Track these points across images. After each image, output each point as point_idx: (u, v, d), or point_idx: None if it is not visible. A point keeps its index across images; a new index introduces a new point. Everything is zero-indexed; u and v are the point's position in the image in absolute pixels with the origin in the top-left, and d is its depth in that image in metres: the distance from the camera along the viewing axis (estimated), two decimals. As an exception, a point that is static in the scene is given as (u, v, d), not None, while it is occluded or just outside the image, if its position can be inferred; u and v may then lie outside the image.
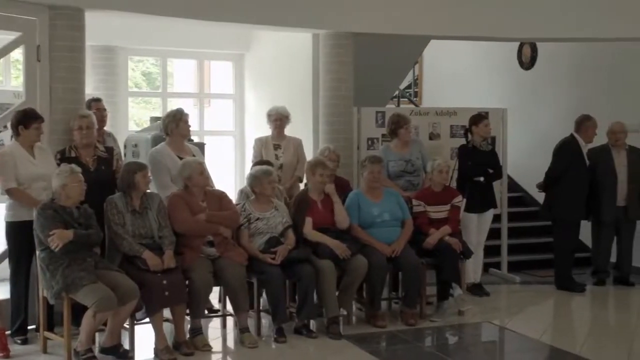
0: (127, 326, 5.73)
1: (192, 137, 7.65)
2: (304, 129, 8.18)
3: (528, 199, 10.30)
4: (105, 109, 7.21)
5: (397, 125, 7.45)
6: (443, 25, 8.17)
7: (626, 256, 8.29)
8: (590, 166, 8.03)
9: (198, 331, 5.90)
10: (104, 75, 9.63)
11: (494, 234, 8.27)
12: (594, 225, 8.27)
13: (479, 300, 7.54)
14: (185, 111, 6.72)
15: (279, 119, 7.48)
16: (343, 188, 7.13)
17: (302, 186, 7.27)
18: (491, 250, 8.43)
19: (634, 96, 8.87)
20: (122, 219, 5.74)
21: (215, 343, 6.08)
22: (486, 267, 8.45)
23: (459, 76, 11.96)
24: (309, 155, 7.54)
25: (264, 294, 6.32)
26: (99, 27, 7.70)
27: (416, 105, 11.84)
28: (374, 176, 6.79)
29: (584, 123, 8.03)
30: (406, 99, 12.34)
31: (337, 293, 6.40)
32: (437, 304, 6.91)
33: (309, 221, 6.47)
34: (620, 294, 8.08)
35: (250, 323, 6.14)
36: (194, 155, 6.51)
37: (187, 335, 5.82)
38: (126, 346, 5.68)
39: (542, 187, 8.24)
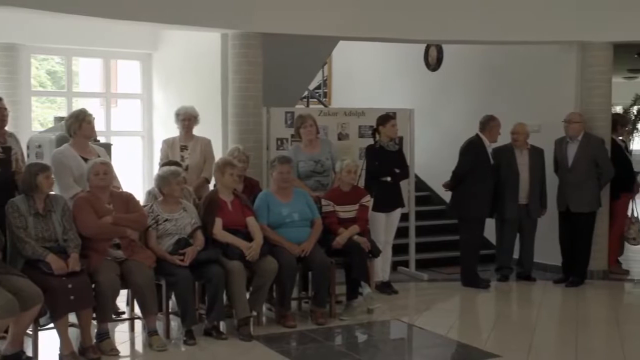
0: (31, 332, 5.57)
1: (98, 138, 7.50)
2: (213, 129, 8.11)
3: (435, 197, 10.49)
4: (5, 109, 6.96)
5: (298, 126, 7.51)
6: (351, 27, 8.23)
7: (528, 253, 8.54)
8: (495, 165, 8.25)
9: (105, 335, 5.78)
10: (5, 74, 9.33)
11: (401, 232, 8.40)
12: (498, 222, 8.49)
13: (387, 298, 7.64)
14: (89, 111, 6.58)
15: (187, 119, 7.42)
16: (252, 188, 7.13)
17: (211, 187, 7.22)
18: (399, 249, 8.56)
19: (536, 97, 9.13)
20: (24, 222, 5.57)
21: (123, 347, 5.97)
22: (395, 265, 8.58)
23: (368, 77, 12.09)
24: (218, 155, 7.48)
25: (172, 296, 6.25)
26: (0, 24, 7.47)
27: (325, 106, 11.91)
28: (283, 176, 6.80)
29: (489, 123, 8.24)
30: (315, 100, 12.39)
31: (247, 294, 6.39)
32: (346, 302, 6.95)
33: (218, 222, 6.42)
34: (522, 289, 8.32)
35: (159, 326, 6.06)
36: (99, 156, 6.38)
37: (94, 340, 5.70)
38: (29, 353, 5.52)
39: (448, 186, 8.42)
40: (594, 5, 8.37)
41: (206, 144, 7.51)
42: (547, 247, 8.58)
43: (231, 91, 8.01)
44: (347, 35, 8.63)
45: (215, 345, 6.04)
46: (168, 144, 7.48)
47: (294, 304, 7.02)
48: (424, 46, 11.00)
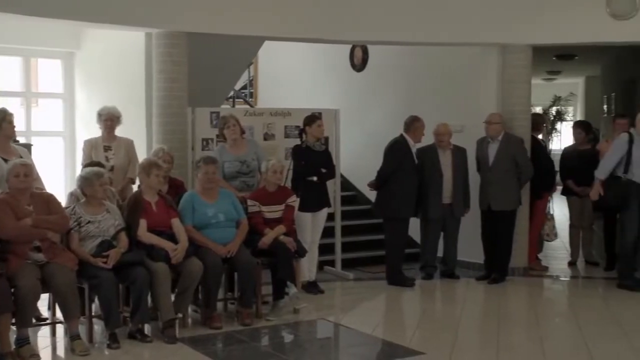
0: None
1: (17, 138, 7.31)
2: (136, 130, 8.01)
3: (360, 197, 10.58)
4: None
5: (221, 126, 7.49)
6: (276, 27, 8.23)
7: (452, 251, 8.69)
8: (419, 165, 8.36)
9: (25, 341, 5.64)
10: None
11: (328, 232, 8.43)
12: (422, 222, 8.61)
13: (314, 297, 7.67)
14: (10, 111, 6.43)
15: (109, 119, 7.32)
16: (177, 189, 7.07)
17: (135, 188, 7.12)
18: (325, 249, 8.60)
19: (459, 98, 9.29)
20: (-60, 226, 5.41)
21: (45, 352, 5.86)
22: (321, 265, 8.62)
23: (294, 77, 12.11)
24: (143, 156, 7.39)
25: (96, 299, 6.15)
26: None
27: (251, 106, 11.90)
28: (209, 177, 6.76)
29: (413, 124, 8.34)
30: (241, 100, 12.34)
31: (173, 296, 6.32)
32: (272, 303, 6.95)
33: (143, 223, 6.34)
34: (446, 287, 8.46)
35: (82, 330, 5.94)
36: (21, 157, 6.23)
37: (13, 346, 5.56)
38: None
39: (373, 185, 8.50)
40: (513, 9, 8.57)
41: (129, 144, 7.41)
42: (470, 245, 8.73)
43: (155, 91, 7.91)
44: (272, 35, 8.62)
45: (139, 348, 5.97)
46: (91, 144, 7.36)
47: (219, 305, 6.98)
48: (349, 47, 11.07)
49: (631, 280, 8.00)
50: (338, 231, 8.81)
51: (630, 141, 7.90)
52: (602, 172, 7.99)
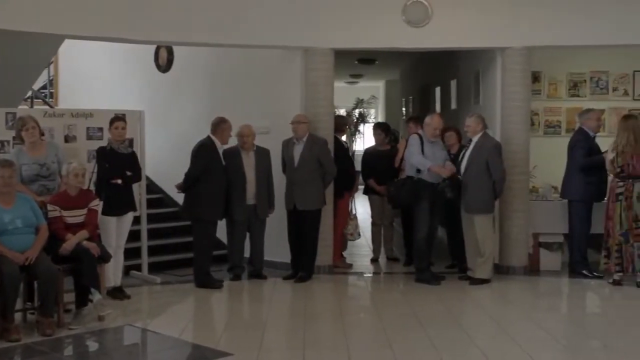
0: None
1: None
2: None
3: (168, 200, 10.46)
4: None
5: (19, 128, 7.18)
6: (76, 25, 7.95)
7: (258, 252, 8.77)
8: (225, 167, 8.38)
9: None
10: None
11: (134, 236, 8.28)
12: (228, 223, 8.64)
13: (120, 303, 7.50)
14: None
15: None
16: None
17: None
18: (131, 253, 8.44)
19: (266, 100, 9.39)
20: None
21: None
22: (127, 269, 8.44)
23: (98, 77, 11.79)
24: None
25: None
26: None
27: (51, 107, 11.45)
28: (5, 181, 6.44)
29: (220, 125, 8.35)
30: (41, 100, 11.84)
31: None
32: (75, 311, 6.73)
33: None
34: (254, 288, 8.54)
35: None
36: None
37: None
38: None
39: (181, 187, 8.42)
40: (316, 13, 8.80)
41: None
42: (277, 245, 8.87)
43: (-56, 90, 7.43)
44: (71, 34, 8.34)
45: None
46: None
47: (18, 315, 6.64)
48: (154, 47, 10.91)
49: (427, 274, 8.45)
50: (144, 235, 8.67)
51: (421, 142, 8.35)
52: (423, 164, 8.32)
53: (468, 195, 8.30)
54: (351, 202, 9.52)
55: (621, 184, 8.17)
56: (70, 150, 7.82)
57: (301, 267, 8.64)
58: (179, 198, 8.93)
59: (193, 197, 8.31)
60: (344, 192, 9.28)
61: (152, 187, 10.17)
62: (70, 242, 6.72)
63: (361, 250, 10.51)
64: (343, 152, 9.36)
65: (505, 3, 8.78)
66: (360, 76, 19.83)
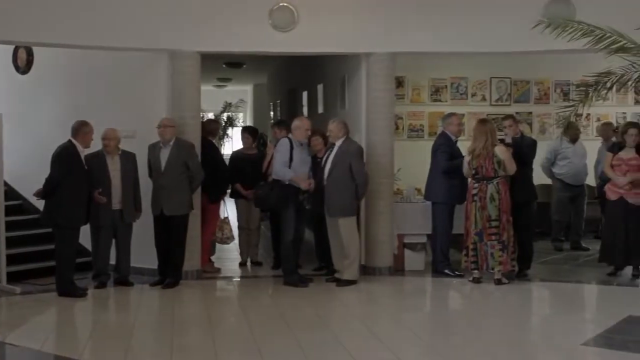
0: None
1: None
2: None
3: (28, 206, 10.07)
4: None
5: None
6: None
7: (125, 257, 8.59)
8: (89, 171, 8.16)
9: None
10: None
11: (-9, 244, 7.94)
12: (93, 229, 8.41)
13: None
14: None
15: None
16: None
17: None
18: (-12, 262, 8.09)
19: (131, 103, 9.17)
20: None
21: None
22: (-17, 280, 8.08)
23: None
24: None
25: None
26: None
27: None
28: None
29: (81, 129, 8.11)
30: None
31: None
32: None
33: None
34: (120, 295, 8.36)
35: None
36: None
37: None
38: None
39: (41, 194, 8.12)
40: (182, 16, 8.70)
41: None
42: (144, 251, 8.69)
43: None
44: None
45: None
46: None
47: None
48: (12, 47, 10.49)
49: (295, 277, 8.52)
50: (2, 243, 8.34)
51: (291, 147, 8.43)
52: (284, 176, 8.38)
53: (331, 199, 8.42)
54: (223, 206, 9.47)
55: (476, 185, 8.53)
56: None
57: (169, 273, 8.52)
58: (40, 204, 8.60)
59: (54, 203, 8.03)
60: (219, 195, 9.24)
61: (11, 193, 9.78)
62: None
63: (229, 254, 10.47)
64: (220, 157, 9.31)
65: (371, 10, 8.97)
66: (228, 80, 19.77)
